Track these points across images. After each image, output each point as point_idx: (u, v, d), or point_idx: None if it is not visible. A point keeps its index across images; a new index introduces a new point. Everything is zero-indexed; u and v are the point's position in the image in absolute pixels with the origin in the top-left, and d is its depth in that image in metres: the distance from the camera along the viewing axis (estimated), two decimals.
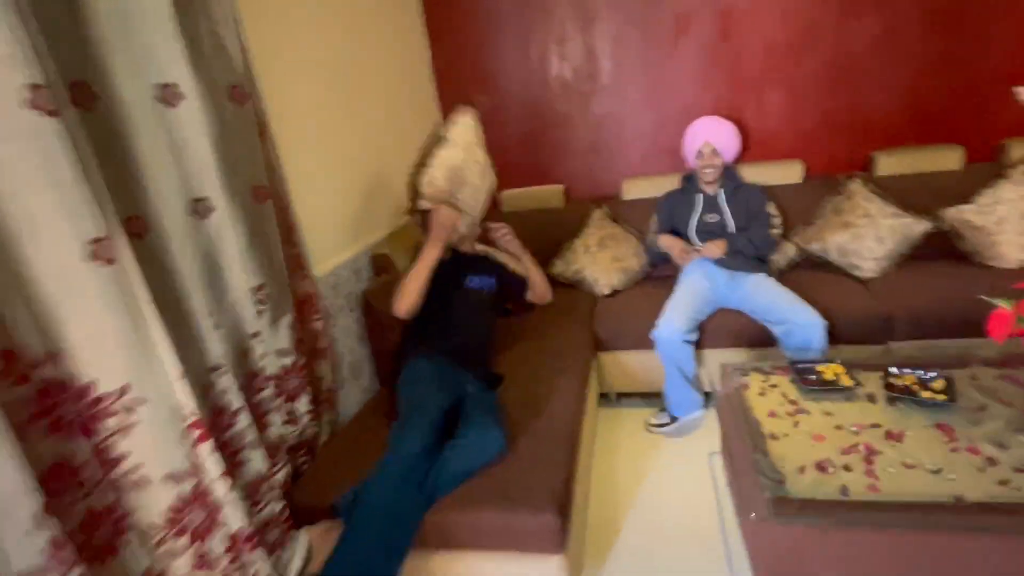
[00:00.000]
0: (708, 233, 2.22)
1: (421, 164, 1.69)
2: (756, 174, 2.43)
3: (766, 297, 2.03)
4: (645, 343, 2.07)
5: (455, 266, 1.79)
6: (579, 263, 2.44)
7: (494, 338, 1.84)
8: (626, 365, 2.18)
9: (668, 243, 2.17)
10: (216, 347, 1.15)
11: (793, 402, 1.55)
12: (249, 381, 1.34)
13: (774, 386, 1.64)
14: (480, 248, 1.91)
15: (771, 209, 2.33)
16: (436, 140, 1.69)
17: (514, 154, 2.78)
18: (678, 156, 2.64)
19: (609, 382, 2.26)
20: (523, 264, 1.94)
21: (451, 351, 1.63)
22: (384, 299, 1.86)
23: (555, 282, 2.39)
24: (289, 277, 1.48)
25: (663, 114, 2.63)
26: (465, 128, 1.74)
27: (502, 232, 1.82)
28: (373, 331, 1.90)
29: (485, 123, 2.77)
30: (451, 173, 1.71)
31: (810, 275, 2.27)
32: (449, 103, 2.79)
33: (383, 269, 2.02)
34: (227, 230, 1.23)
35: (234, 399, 1.16)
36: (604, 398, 2.37)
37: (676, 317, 1.99)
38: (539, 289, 1.97)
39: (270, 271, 1.37)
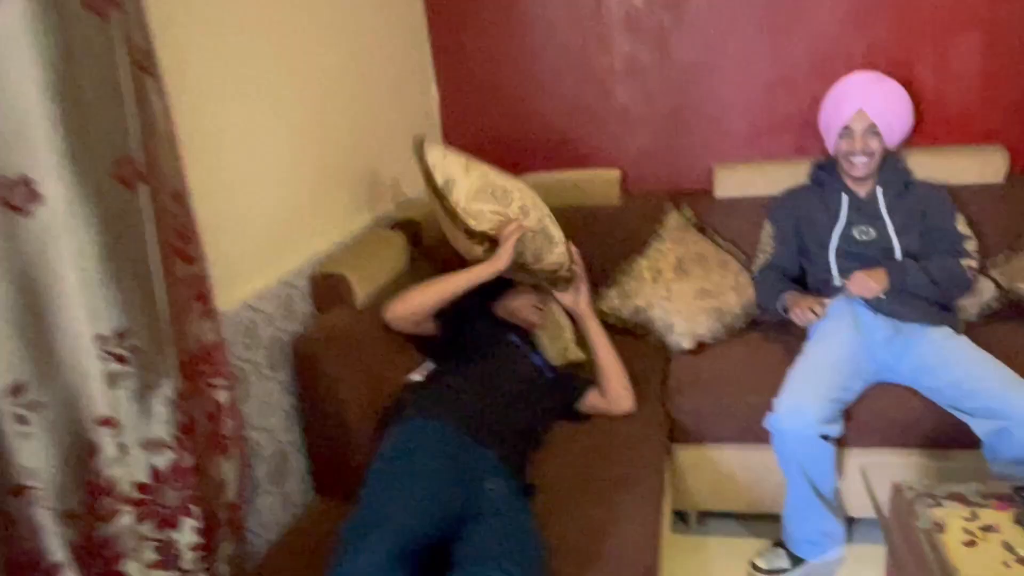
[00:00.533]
0: (857, 258, 2.10)
1: (456, 225, 1.82)
2: (931, 167, 2.26)
3: (960, 370, 1.85)
4: (750, 435, 1.94)
5: (500, 323, 1.92)
6: (644, 297, 2.30)
7: (540, 437, 1.82)
8: (717, 469, 2.06)
9: (791, 300, 2.03)
10: (23, 451, 0.92)
11: None
12: (90, 502, 1.12)
13: (988, 529, 1.44)
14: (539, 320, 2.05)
15: (961, 226, 2.12)
16: (440, 196, 1.82)
17: (547, 122, 2.65)
18: (806, 133, 2.47)
19: (690, 494, 2.11)
20: (585, 327, 1.96)
21: (474, 417, 1.58)
22: (335, 349, 1.70)
23: (605, 325, 2.21)
24: (176, 317, 1.28)
25: (785, 67, 2.47)
26: (440, 158, 1.83)
27: (575, 251, 1.92)
28: (311, 403, 1.73)
29: (507, 77, 2.61)
30: (483, 195, 1.83)
31: (1018, 332, 2.07)
32: (445, 38, 2.63)
33: (332, 298, 1.84)
34: (65, 234, 1.03)
35: (53, 546, 0.93)
36: (680, 518, 2.21)
37: (807, 397, 1.82)
38: (612, 385, 1.93)
39: (140, 307, 1.17)
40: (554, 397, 1.91)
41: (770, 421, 1.85)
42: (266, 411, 1.67)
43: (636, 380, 2.04)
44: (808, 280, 2.19)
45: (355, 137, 2.14)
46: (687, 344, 2.22)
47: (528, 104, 2.65)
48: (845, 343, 1.98)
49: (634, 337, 2.32)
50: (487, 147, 2.71)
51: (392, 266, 2.04)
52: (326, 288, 1.86)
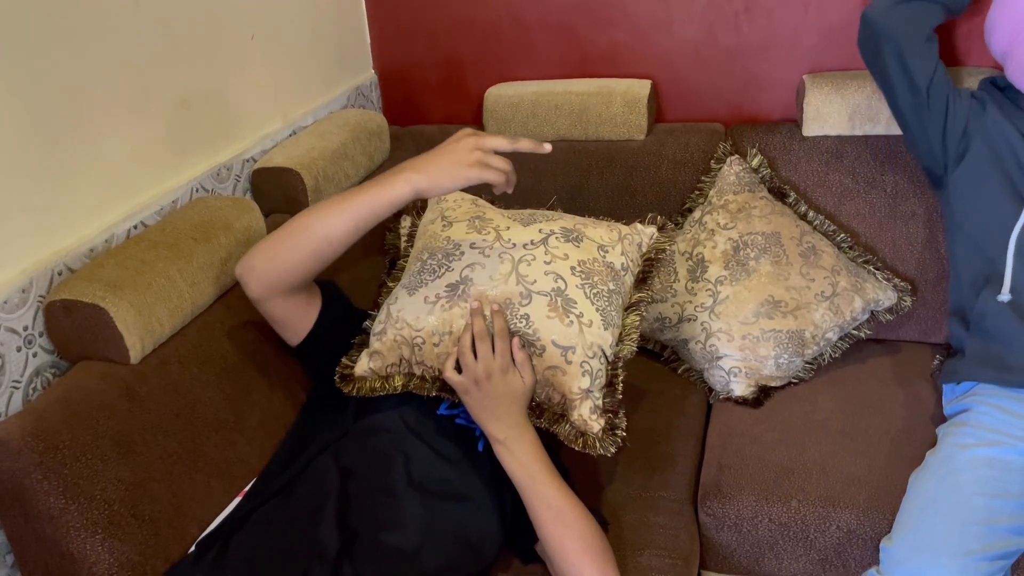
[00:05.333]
0: None
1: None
2: None
3: None
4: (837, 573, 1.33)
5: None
6: (674, 302, 1.59)
7: None
8: None
9: None
10: None
11: None
12: None
13: None
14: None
15: None
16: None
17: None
18: (963, 33, 1.67)
19: None
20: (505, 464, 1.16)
21: None
22: (71, 460, 1.00)
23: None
24: None
25: None
26: None
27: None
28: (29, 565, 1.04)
29: None
30: None
31: None
32: None
33: (80, 347, 1.12)
34: None
35: None
36: None
37: (941, 553, 1.15)
38: (561, 566, 1.12)
39: None
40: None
41: None
42: None
43: (651, 451, 1.41)
44: (956, 272, 1.44)
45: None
46: (741, 389, 1.52)
47: None
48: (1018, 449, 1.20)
49: (658, 361, 1.64)
50: (439, 35, 1.92)
51: (216, 275, 1.20)
52: (70, 328, 1.06)
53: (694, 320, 1.51)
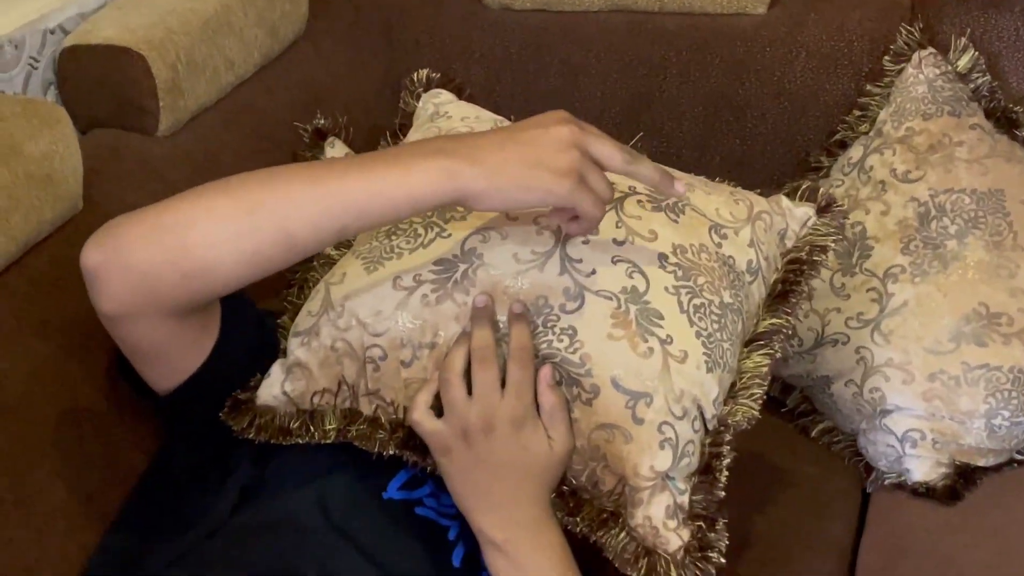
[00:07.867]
0: None
1: None
2: None
3: None
4: None
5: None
6: (813, 314, 1.21)
7: None
8: None
9: None
10: None
11: None
12: None
13: None
14: None
15: None
16: None
17: None
18: None
19: None
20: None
21: None
22: None
23: None
24: None
25: None
26: None
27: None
28: None
29: None
30: None
31: None
32: None
33: None
34: None
35: None
36: None
37: None
38: None
39: None
40: None
41: None
42: None
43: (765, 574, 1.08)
44: None
45: None
46: (924, 470, 1.10)
47: None
48: None
49: (773, 415, 1.22)
50: None
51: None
52: None
53: (844, 343, 1.08)
